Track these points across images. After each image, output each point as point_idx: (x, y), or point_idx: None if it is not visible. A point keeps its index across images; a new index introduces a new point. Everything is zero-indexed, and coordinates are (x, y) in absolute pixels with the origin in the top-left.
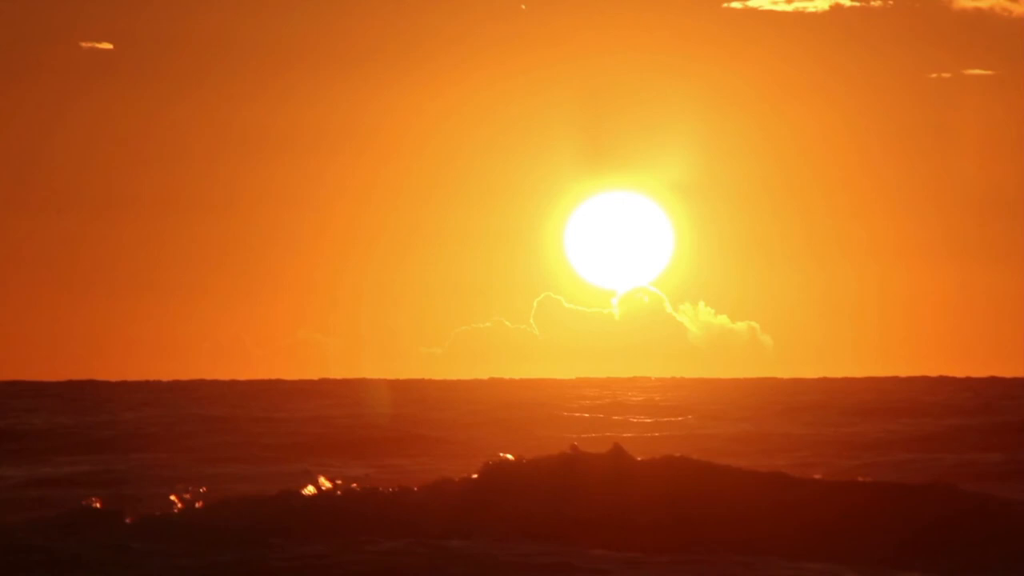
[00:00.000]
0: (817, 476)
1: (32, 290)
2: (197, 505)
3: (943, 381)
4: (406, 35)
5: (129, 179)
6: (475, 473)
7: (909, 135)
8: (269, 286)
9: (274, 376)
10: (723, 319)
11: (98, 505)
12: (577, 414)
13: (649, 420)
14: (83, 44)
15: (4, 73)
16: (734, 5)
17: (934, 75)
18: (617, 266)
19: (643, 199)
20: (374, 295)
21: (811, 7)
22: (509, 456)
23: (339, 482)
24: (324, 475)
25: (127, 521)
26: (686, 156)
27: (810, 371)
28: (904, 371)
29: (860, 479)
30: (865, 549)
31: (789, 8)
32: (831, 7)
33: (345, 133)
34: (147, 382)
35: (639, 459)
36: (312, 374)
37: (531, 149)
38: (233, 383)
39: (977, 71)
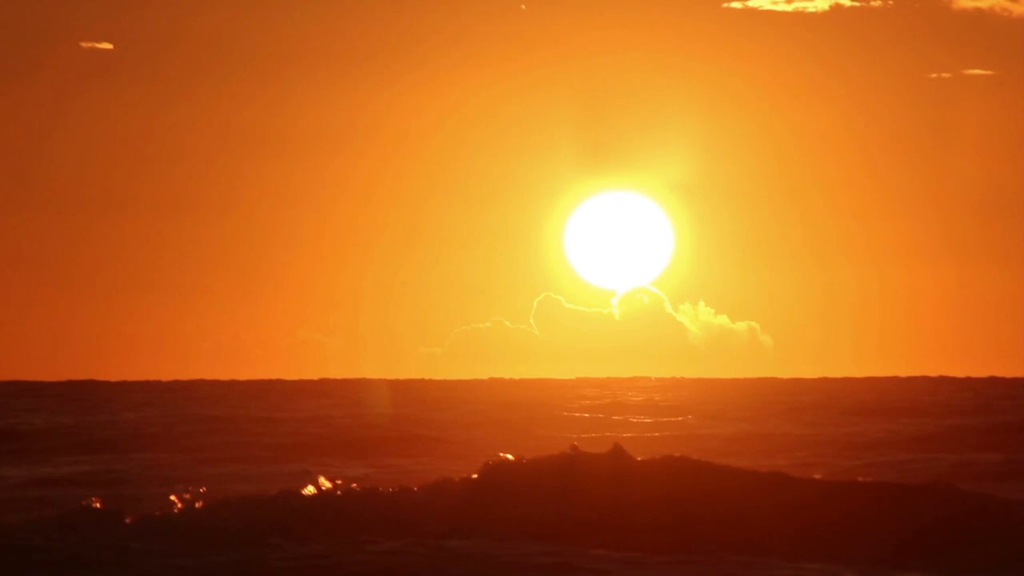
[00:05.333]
0: (817, 476)
1: (32, 290)
2: (197, 505)
3: (943, 381)
4: (406, 35)
5: (129, 179)
6: (475, 473)
7: (909, 135)
8: (269, 286)
9: (274, 376)
10: (723, 319)
11: (98, 505)
12: (577, 414)
13: (649, 420)
14: (83, 44)
15: (4, 73)
16: (734, 5)
17: (934, 75)
18: (617, 266)
19: (643, 199)
20: (374, 295)
21: (811, 7)
22: (509, 456)
23: (339, 482)
24: (324, 475)
25: (127, 521)
26: (686, 156)
27: (810, 371)
28: (904, 371)
29: (860, 479)
30: (865, 549)
31: (789, 8)
32: (831, 7)
33: (345, 133)
34: (147, 382)
35: (639, 459)
36: (312, 374)
37: (531, 149)
38: (233, 383)
39: (977, 71)
